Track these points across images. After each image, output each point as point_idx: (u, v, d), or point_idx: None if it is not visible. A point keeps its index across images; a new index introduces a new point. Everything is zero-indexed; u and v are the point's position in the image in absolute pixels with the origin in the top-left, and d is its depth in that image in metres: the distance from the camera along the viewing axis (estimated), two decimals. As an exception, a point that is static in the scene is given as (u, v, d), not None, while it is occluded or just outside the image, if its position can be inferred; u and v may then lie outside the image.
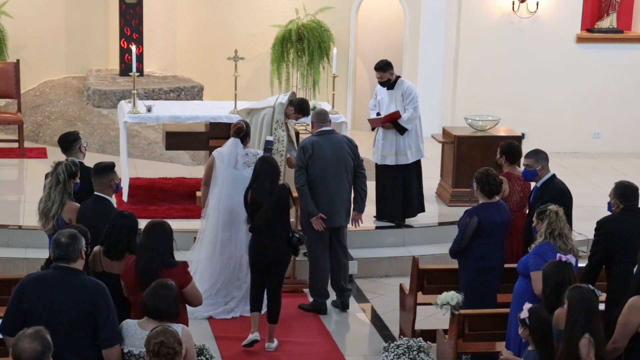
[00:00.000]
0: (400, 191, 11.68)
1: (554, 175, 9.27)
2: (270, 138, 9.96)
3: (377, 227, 11.74)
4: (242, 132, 10.02)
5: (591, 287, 6.77)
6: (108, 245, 7.40)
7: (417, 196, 11.79)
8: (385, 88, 11.57)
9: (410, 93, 11.49)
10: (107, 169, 8.23)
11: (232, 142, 10.04)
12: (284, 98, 11.00)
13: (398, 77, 11.63)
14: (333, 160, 10.07)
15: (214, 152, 10.21)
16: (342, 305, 10.40)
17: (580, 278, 8.00)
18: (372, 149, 11.84)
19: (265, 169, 9.30)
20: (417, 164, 11.76)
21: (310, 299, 10.40)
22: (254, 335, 9.34)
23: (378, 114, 11.67)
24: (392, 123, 11.51)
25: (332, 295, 10.43)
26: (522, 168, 9.63)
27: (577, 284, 6.76)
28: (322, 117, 10.30)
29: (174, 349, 5.98)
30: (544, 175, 9.22)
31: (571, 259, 7.26)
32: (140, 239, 7.30)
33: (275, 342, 9.45)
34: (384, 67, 11.47)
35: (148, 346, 6.00)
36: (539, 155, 9.27)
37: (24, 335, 5.57)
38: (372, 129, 11.89)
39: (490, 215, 8.70)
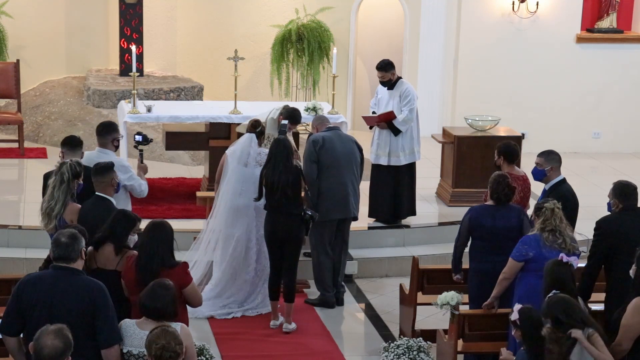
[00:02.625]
0: (390, 192, 11.70)
1: (563, 180, 9.06)
2: (285, 122, 10.12)
3: (377, 227, 11.75)
4: (258, 127, 10.02)
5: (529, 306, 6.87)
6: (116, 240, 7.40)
7: (407, 199, 11.80)
8: (386, 88, 11.60)
9: (407, 95, 11.50)
10: (106, 168, 8.23)
11: (247, 138, 10.06)
12: (275, 113, 10.75)
13: (399, 77, 11.65)
14: (343, 153, 10.24)
15: (227, 151, 10.23)
16: (338, 301, 10.48)
17: (580, 278, 8.03)
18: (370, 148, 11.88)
19: (281, 150, 9.50)
20: (411, 167, 11.75)
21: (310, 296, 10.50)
22: (272, 323, 9.73)
23: (374, 112, 11.70)
24: (387, 123, 11.53)
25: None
26: (522, 167, 9.62)
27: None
28: (323, 119, 10.55)
29: (175, 351, 5.98)
30: (553, 177, 9.03)
31: (573, 261, 7.27)
32: (141, 238, 7.31)
33: (293, 324, 9.67)
34: (385, 66, 11.50)
35: (149, 350, 5.99)
36: (549, 156, 9.09)
37: (46, 331, 5.62)
38: (370, 128, 11.92)
39: (480, 216, 8.65)
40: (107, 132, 9.28)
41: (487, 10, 15.27)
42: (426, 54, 15.62)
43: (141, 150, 9.67)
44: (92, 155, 9.28)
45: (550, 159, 9.07)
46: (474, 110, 13.89)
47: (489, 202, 8.72)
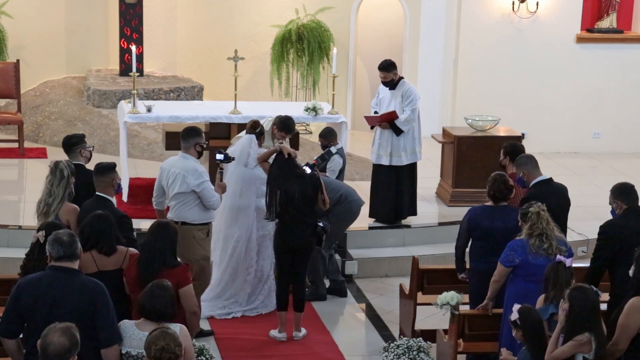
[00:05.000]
0: (392, 192, 11.71)
1: (544, 182, 8.86)
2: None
3: (377, 227, 11.75)
4: (257, 127, 9.99)
5: (594, 287, 6.81)
6: (105, 244, 7.38)
7: (408, 198, 11.81)
8: (388, 87, 11.59)
9: (410, 95, 11.50)
10: (108, 168, 8.24)
11: (247, 139, 10.01)
12: (268, 125, 10.53)
13: (401, 77, 11.66)
14: None
15: (227, 151, 10.20)
16: (342, 292, 10.65)
17: (583, 280, 8.01)
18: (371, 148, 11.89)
19: (286, 162, 9.35)
20: (412, 167, 11.76)
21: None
22: (280, 335, 9.56)
23: (376, 112, 11.70)
24: (389, 123, 11.52)
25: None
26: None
27: (579, 284, 6.76)
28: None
29: (175, 353, 5.98)
30: (531, 180, 8.87)
31: (568, 262, 7.28)
32: (145, 237, 7.33)
33: (303, 331, 9.64)
34: (387, 67, 11.49)
35: (149, 352, 5.99)
36: (517, 162, 8.97)
37: (54, 328, 5.64)
38: (371, 128, 11.92)
39: (478, 217, 8.66)
40: (191, 137, 9.30)
41: (487, 10, 15.27)
42: (426, 54, 15.61)
43: (222, 169, 9.57)
44: (173, 159, 9.31)
45: (518, 164, 8.96)
46: (474, 110, 13.88)
47: (488, 203, 8.73)
